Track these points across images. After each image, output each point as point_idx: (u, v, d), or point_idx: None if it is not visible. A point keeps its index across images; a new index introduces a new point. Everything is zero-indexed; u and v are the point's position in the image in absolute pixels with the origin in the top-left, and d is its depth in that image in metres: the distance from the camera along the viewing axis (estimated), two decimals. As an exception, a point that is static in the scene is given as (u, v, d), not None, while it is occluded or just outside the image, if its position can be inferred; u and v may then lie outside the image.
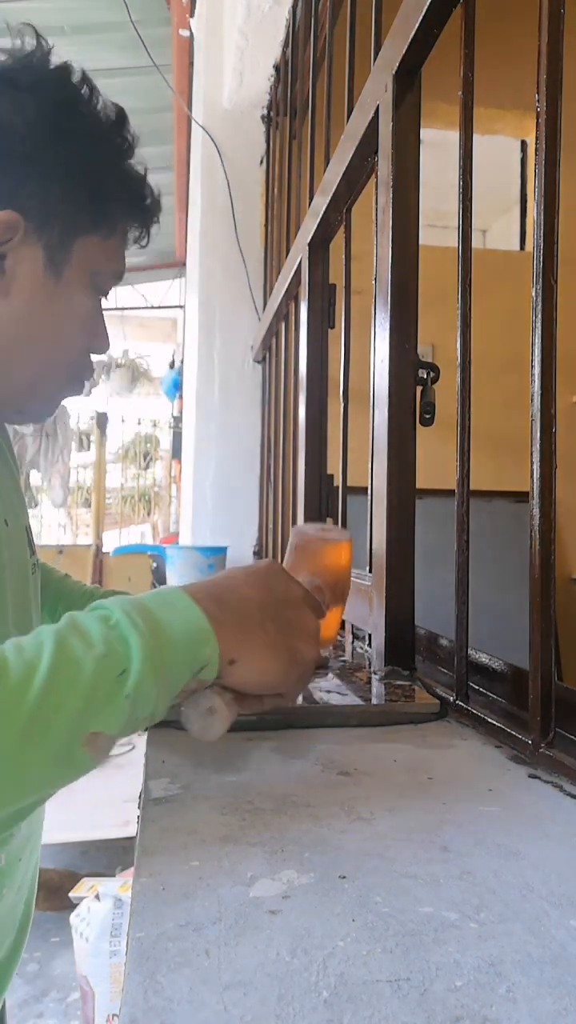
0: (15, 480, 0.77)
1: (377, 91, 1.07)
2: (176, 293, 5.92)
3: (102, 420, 6.26)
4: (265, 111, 2.65)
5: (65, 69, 0.67)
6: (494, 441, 2.51)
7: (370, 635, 1.04)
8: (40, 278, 0.65)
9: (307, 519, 1.63)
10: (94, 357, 0.73)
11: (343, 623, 1.26)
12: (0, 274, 0.64)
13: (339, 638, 0.98)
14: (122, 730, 0.47)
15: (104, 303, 0.73)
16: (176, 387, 4.79)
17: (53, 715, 0.43)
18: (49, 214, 0.64)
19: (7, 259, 0.63)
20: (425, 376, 1.01)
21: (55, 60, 0.68)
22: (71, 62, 0.67)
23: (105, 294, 0.72)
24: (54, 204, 0.64)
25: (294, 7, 2.10)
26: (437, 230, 2.31)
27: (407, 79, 1.00)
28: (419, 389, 1.01)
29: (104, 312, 0.73)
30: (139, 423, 8.25)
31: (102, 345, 0.73)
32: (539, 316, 0.68)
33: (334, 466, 1.47)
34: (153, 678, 0.47)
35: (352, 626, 1.22)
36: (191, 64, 3.23)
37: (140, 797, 0.60)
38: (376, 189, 1.07)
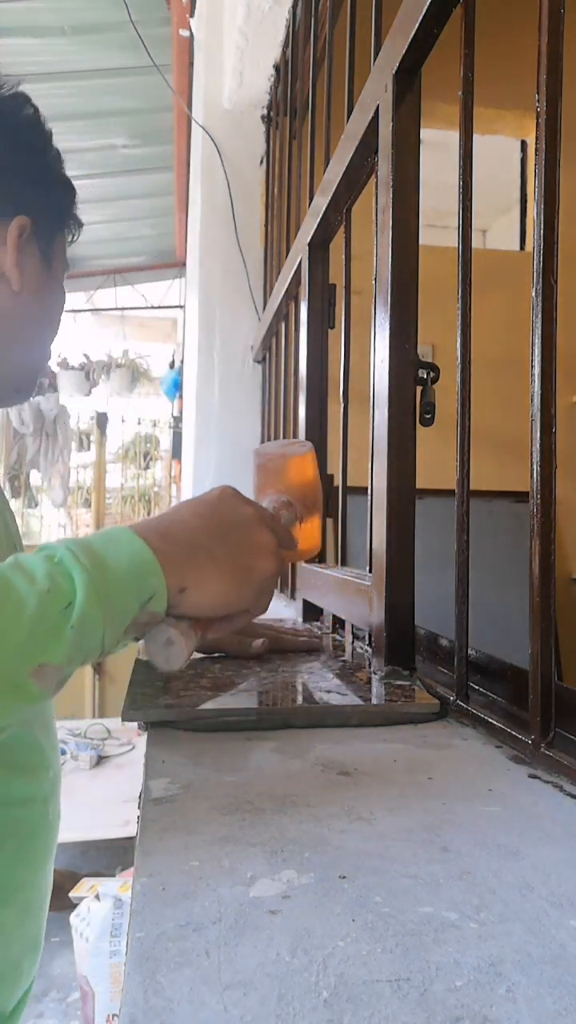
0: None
1: (377, 91, 1.07)
2: (176, 293, 5.92)
3: (102, 420, 6.26)
4: (265, 111, 2.65)
5: (22, 94, 0.78)
6: (494, 441, 2.51)
7: (370, 635, 1.04)
8: (39, 271, 0.76)
9: None
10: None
11: (333, 622, 1.27)
12: (16, 268, 0.73)
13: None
14: (70, 661, 0.48)
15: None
16: (176, 387, 4.79)
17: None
18: (41, 216, 0.75)
19: (21, 256, 0.73)
20: (425, 376, 1.01)
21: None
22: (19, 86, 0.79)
23: None
24: (43, 207, 0.75)
25: (294, 7, 2.10)
26: (437, 230, 2.31)
27: (407, 79, 1.00)
28: (419, 389, 1.00)
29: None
30: (139, 423, 8.25)
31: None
32: (539, 316, 0.68)
33: (334, 466, 1.47)
34: (99, 610, 0.48)
35: (352, 626, 1.22)
36: (191, 64, 3.23)
37: (140, 797, 0.60)
38: (376, 189, 1.07)
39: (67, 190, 0.80)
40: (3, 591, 0.46)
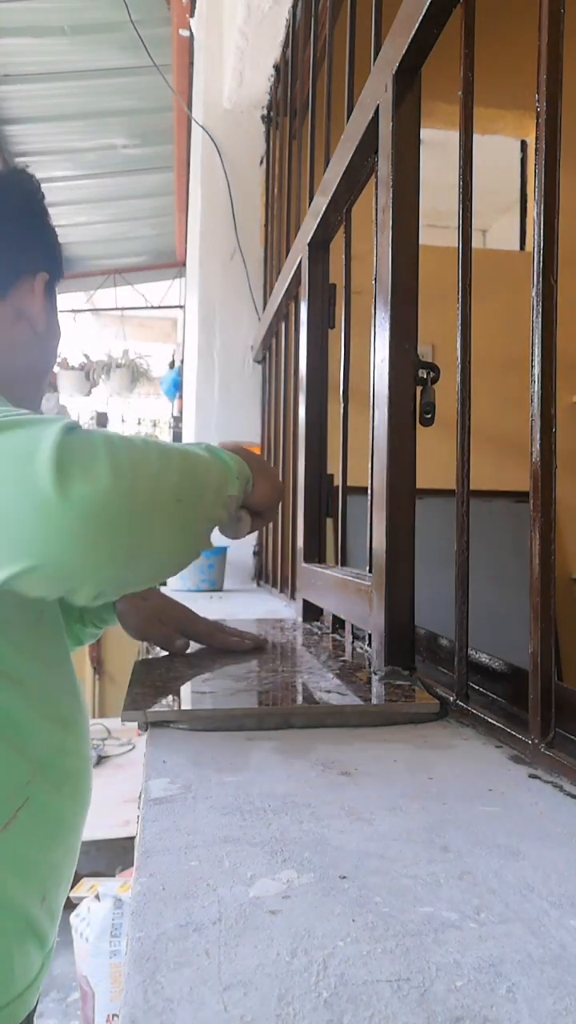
0: None
1: (377, 91, 1.07)
2: (176, 293, 5.92)
3: (102, 420, 6.25)
4: (265, 111, 2.65)
5: (24, 171, 0.94)
6: (494, 441, 2.51)
7: (370, 635, 1.04)
8: (46, 311, 0.92)
9: (307, 519, 1.63)
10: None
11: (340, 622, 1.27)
12: (42, 312, 0.91)
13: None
14: (235, 503, 0.79)
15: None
16: (176, 387, 4.78)
17: (205, 484, 0.73)
18: (52, 270, 0.93)
19: (39, 302, 0.91)
20: (425, 376, 1.01)
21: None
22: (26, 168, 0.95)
23: None
24: (53, 262, 0.93)
25: (294, 7, 2.10)
26: (437, 230, 2.31)
27: (407, 79, 1.00)
28: (419, 389, 1.00)
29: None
30: (139, 423, 8.25)
31: None
32: (539, 316, 0.68)
33: (334, 466, 1.47)
34: (239, 478, 0.79)
35: (352, 626, 1.22)
36: (191, 64, 3.23)
37: (140, 797, 0.60)
38: (376, 189, 1.07)
39: (59, 247, 0.97)
40: (207, 456, 0.76)
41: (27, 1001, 0.75)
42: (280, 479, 0.89)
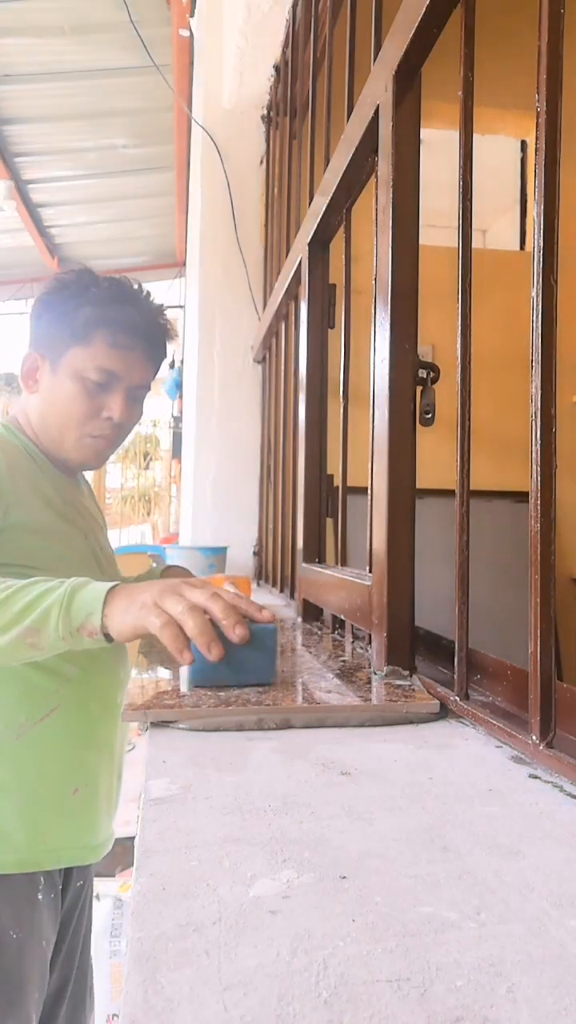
0: (101, 515, 1.37)
1: (377, 91, 1.07)
2: (176, 293, 5.92)
3: (102, 420, 6.21)
4: (265, 111, 2.65)
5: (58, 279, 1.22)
6: (494, 441, 2.51)
7: (370, 635, 1.04)
8: (48, 378, 1.17)
9: (307, 519, 1.63)
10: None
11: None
12: (35, 383, 1.19)
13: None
14: (37, 631, 0.86)
15: (112, 384, 1.16)
16: (176, 387, 4.78)
17: (7, 608, 0.86)
18: (48, 347, 1.16)
19: (37, 374, 1.19)
20: (425, 376, 1.00)
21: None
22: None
23: (99, 382, 1.15)
24: (50, 341, 1.16)
25: (294, 7, 2.10)
26: (437, 230, 2.31)
27: (407, 79, 1.00)
28: (419, 389, 1.00)
29: (111, 391, 1.17)
30: (139, 424, 8.23)
31: (89, 410, 1.16)
32: (539, 316, 0.68)
33: (334, 466, 1.47)
34: (59, 610, 0.86)
35: (352, 626, 1.22)
36: (191, 64, 3.23)
37: (140, 797, 0.60)
38: (376, 189, 1.07)
39: (77, 322, 1.18)
40: (26, 585, 0.89)
41: (39, 862, 1.08)
42: (132, 615, 0.84)
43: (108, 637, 0.86)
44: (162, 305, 1.24)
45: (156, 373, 1.24)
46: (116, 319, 1.15)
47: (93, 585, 0.88)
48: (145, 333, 1.19)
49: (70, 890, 1.21)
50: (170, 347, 1.27)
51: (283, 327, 2.14)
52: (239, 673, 0.87)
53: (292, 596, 1.85)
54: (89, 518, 1.25)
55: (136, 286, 1.22)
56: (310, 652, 1.16)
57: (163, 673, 1.00)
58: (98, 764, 1.16)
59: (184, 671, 0.90)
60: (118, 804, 1.30)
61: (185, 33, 3.11)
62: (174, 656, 0.81)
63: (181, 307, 5.31)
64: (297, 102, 2.18)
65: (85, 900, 1.28)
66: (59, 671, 1.09)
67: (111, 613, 0.85)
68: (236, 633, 0.81)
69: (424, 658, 1.03)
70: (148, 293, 1.23)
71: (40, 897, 1.07)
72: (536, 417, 0.68)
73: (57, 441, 1.18)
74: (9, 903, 1.04)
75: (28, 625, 0.85)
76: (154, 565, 1.45)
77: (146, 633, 0.84)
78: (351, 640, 1.23)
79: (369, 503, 1.07)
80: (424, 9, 0.90)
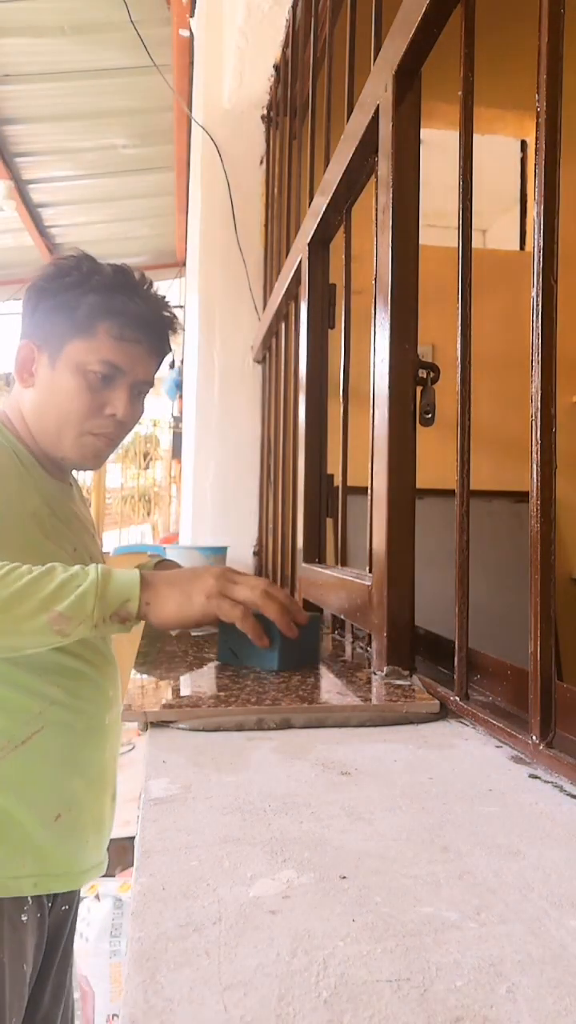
0: (91, 520, 1.29)
1: (377, 91, 1.07)
2: (176, 293, 5.92)
3: (102, 420, 6.21)
4: (265, 111, 2.65)
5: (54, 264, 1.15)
6: (494, 441, 2.51)
7: (370, 635, 1.04)
8: (46, 371, 1.10)
9: (307, 519, 1.63)
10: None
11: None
12: (31, 376, 1.12)
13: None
14: (70, 618, 0.85)
15: (116, 379, 1.11)
16: (176, 387, 4.78)
17: (32, 594, 0.85)
18: (46, 337, 1.10)
19: (33, 366, 1.12)
20: (425, 376, 1.00)
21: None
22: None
23: (104, 375, 1.09)
24: (48, 331, 1.10)
25: (294, 7, 2.10)
26: (437, 230, 2.31)
27: (407, 79, 1.00)
28: (419, 389, 1.00)
29: (114, 387, 1.11)
30: (139, 423, 8.24)
31: (91, 406, 1.11)
32: (539, 316, 0.68)
33: (334, 466, 1.47)
34: (94, 594, 0.86)
35: (352, 626, 1.22)
36: (191, 64, 3.23)
37: (140, 797, 0.60)
38: (376, 189, 1.07)
39: (81, 312, 1.13)
40: (48, 571, 0.87)
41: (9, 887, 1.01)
42: (198, 605, 0.89)
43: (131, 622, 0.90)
44: (165, 297, 1.18)
45: (159, 369, 1.18)
46: (122, 310, 1.09)
47: (120, 570, 0.89)
48: (151, 326, 1.13)
49: (55, 914, 1.14)
50: (173, 342, 1.21)
51: (283, 327, 2.14)
52: (304, 654, 0.99)
53: (292, 596, 1.85)
54: (79, 527, 1.19)
55: (139, 275, 1.15)
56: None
57: (163, 673, 1.00)
58: (84, 788, 1.09)
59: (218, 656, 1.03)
60: (112, 827, 1.22)
61: (185, 33, 3.11)
62: (255, 641, 0.91)
63: (181, 307, 5.31)
64: (297, 102, 2.18)
65: (70, 925, 1.21)
66: (43, 692, 1.03)
67: (156, 600, 0.88)
68: (301, 616, 0.93)
69: (424, 658, 1.03)
70: (151, 283, 1.16)
71: (25, 919, 1.02)
72: (536, 417, 0.68)
73: (54, 439, 1.11)
74: None
75: (60, 612, 0.84)
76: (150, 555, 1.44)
77: (194, 622, 0.90)
78: (351, 640, 1.23)
79: (369, 503, 1.06)
80: (424, 9, 0.90)
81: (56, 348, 1.09)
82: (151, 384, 1.17)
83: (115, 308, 1.08)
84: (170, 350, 1.20)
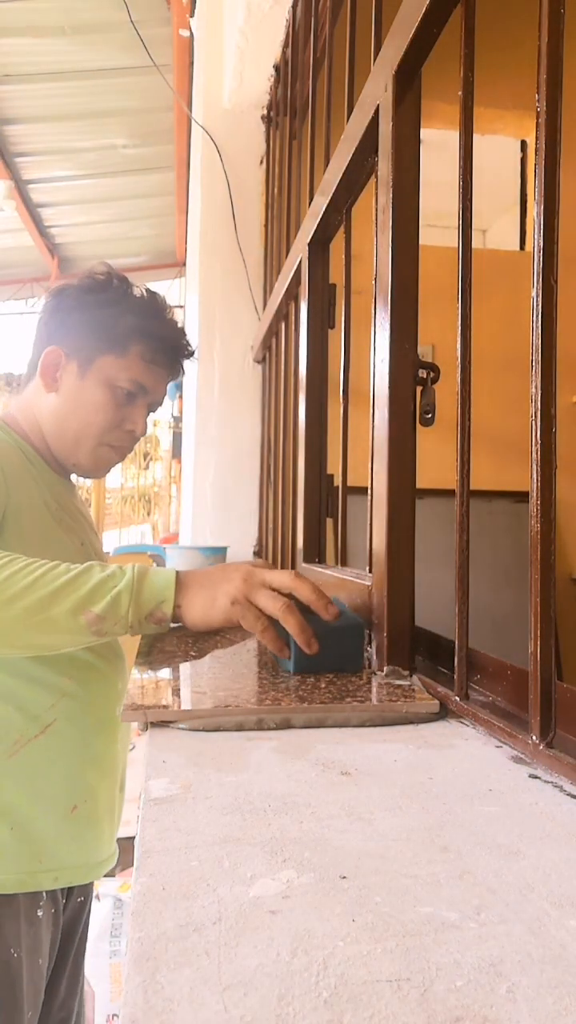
0: (91, 518, 1.31)
1: (377, 91, 1.07)
2: (176, 293, 5.92)
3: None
4: (265, 111, 2.65)
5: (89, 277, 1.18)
6: (494, 441, 2.51)
7: (370, 635, 1.04)
8: (74, 380, 1.14)
9: (307, 519, 1.63)
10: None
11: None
12: (55, 382, 1.14)
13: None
14: (105, 618, 0.85)
15: (139, 397, 1.17)
16: (176, 387, 4.78)
17: (69, 593, 0.84)
18: (77, 347, 1.14)
19: (59, 372, 1.15)
20: (425, 376, 1.00)
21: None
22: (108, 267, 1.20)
23: (130, 392, 1.15)
24: (81, 341, 1.14)
25: (294, 7, 2.10)
26: (437, 230, 2.31)
27: (407, 79, 1.00)
28: (419, 389, 1.00)
29: (135, 404, 1.17)
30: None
31: (114, 420, 1.16)
32: (539, 316, 0.68)
33: (334, 466, 1.47)
34: (128, 596, 0.86)
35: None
36: (191, 64, 3.23)
37: (140, 797, 0.60)
38: (376, 189, 1.07)
39: (115, 329, 1.18)
40: (86, 569, 0.87)
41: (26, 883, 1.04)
42: (221, 609, 0.88)
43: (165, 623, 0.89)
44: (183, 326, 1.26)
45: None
46: (156, 335, 1.16)
47: (156, 570, 0.89)
48: (175, 352, 1.21)
49: (70, 906, 1.18)
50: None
51: (283, 327, 2.14)
52: (331, 661, 0.94)
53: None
54: (83, 521, 1.23)
55: (162, 299, 1.23)
56: (310, 652, 1.16)
57: (163, 673, 1.00)
58: (98, 780, 1.13)
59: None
60: (121, 818, 1.26)
61: (185, 33, 3.11)
62: (273, 651, 0.90)
63: (181, 307, 5.31)
64: (297, 102, 2.18)
65: (86, 916, 1.25)
66: (55, 685, 1.06)
67: (187, 602, 0.88)
68: (329, 612, 0.89)
69: (424, 658, 1.03)
70: (171, 308, 1.24)
71: (40, 914, 1.05)
72: (536, 417, 0.68)
73: (71, 446, 1.15)
74: (11, 921, 1.02)
75: (97, 613, 0.84)
76: (154, 566, 1.44)
77: (217, 627, 0.89)
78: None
79: (369, 503, 1.06)
80: (424, 9, 0.90)
81: (87, 359, 1.13)
82: (161, 404, 1.24)
83: (151, 332, 1.15)
84: (183, 375, 1.27)
